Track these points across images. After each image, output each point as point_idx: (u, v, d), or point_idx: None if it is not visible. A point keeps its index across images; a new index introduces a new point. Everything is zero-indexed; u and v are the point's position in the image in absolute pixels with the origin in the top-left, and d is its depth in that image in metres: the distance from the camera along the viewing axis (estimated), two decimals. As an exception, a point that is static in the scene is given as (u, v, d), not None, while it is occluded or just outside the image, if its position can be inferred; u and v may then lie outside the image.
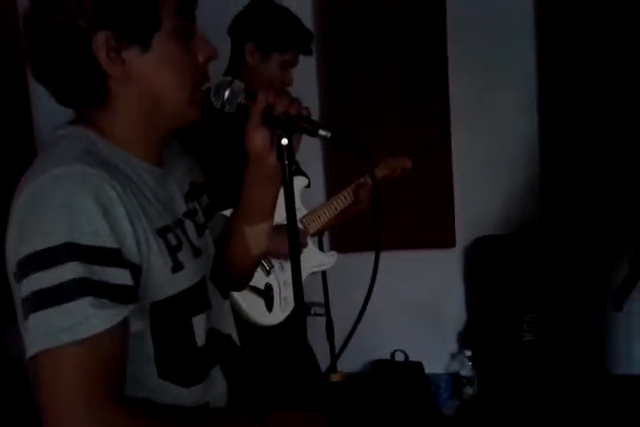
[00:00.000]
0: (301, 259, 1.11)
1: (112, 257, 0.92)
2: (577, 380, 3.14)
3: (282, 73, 2.07)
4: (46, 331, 0.88)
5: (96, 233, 0.90)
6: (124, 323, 0.93)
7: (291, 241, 1.08)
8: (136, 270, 0.96)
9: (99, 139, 1.02)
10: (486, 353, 3.27)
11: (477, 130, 3.34)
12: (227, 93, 1.08)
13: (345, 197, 2.22)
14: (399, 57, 3.27)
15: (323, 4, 3.27)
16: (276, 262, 2.06)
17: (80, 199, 0.90)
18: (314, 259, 2.22)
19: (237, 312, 1.94)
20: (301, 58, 2.14)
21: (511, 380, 3.16)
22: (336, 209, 2.21)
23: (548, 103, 3.29)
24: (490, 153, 3.36)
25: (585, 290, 3.28)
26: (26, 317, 0.90)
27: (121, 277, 0.93)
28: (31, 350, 0.89)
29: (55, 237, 0.89)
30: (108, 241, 0.91)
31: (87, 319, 0.88)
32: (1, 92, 3.21)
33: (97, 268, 0.90)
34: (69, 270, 0.88)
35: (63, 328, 0.87)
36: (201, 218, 1.21)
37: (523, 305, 3.18)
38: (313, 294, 2.50)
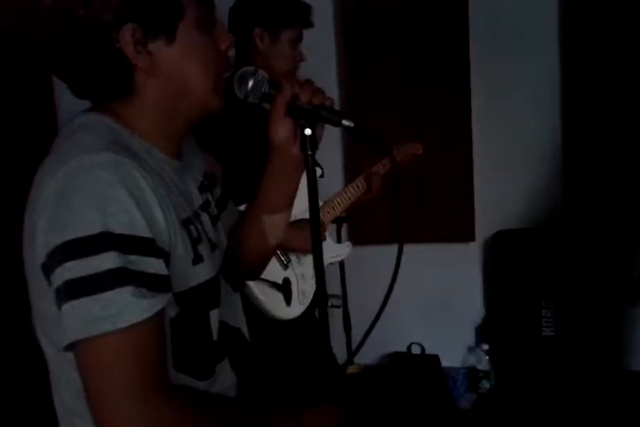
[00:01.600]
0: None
1: (148, 246, 0.91)
2: (594, 376, 3.11)
3: (293, 51, 2.08)
4: (83, 320, 0.87)
5: (132, 222, 0.89)
6: (162, 312, 0.93)
7: (313, 231, 1.07)
8: (168, 259, 0.96)
9: (122, 128, 1.01)
10: (504, 347, 3.25)
11: (499, 123, 3.30)
12: (251, 83, 1.08)
13: (357, 187, 2.23)
14: (420, 45, 3.22)
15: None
16: (292, 256, 2.06)
17: (113, 188, 0.89)
18: (330, 250, 2.21)
19: (256, 307, 1.94)
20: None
21: (528, 374, 3.14)
22: (349, 199, 2.22)
23: (571, 97, 3.24)
24: (510, 146, 3.32)
25: (604, 286, 3.25)
26: (59, 306, 0.89)
27: (157, 266, 0.92)
28: (67, 339, 0.88)
29: (90, 227, 0.87)
30: (143, 230, 0.90)
31: (128, 309, 0.87)
32: (25, 82, 3.23)
33: (134, 257, 0.89)
34: (107, 260, 0.87)
35: (102, 317, 0.86)
36: (214, 210, 1.20)
37: (542, 300, 3.15)
38: (329, 286, 2.49)
